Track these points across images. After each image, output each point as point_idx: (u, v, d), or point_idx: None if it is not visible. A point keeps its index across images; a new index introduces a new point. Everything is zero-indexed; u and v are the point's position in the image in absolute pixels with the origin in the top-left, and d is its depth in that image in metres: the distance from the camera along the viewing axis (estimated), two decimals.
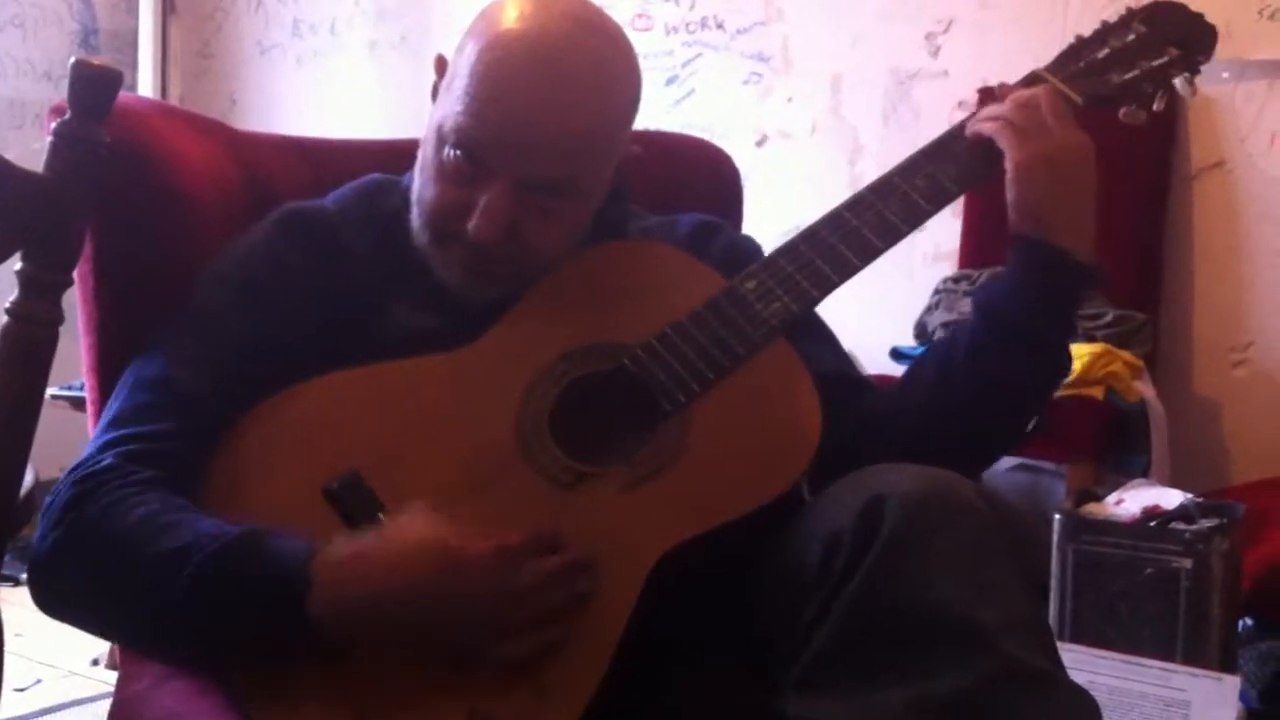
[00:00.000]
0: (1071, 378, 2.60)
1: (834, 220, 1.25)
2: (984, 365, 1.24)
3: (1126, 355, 2.71)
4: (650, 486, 1.16)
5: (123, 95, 1.35)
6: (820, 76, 3.33)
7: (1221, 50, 2.93)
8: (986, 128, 1.24)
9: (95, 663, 2.92)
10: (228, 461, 1.20)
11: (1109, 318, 2.76)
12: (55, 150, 1.16)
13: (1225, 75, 2.88)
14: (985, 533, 1.07)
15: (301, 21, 4.17)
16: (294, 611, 1.07)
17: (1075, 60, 1.30)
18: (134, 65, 4.19)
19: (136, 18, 4.23)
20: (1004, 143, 1.23)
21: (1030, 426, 1.30)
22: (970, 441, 1.28)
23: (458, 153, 1.21)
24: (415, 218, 1.27)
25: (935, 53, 3.18)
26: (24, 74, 4.02)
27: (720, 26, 3.47)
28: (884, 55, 3.24)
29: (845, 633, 1.06)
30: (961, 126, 1.28)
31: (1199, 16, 1.32)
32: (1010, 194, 1.23)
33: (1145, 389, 2.69)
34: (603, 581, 1.13)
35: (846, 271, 1.23)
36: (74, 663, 2.89)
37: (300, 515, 1.14)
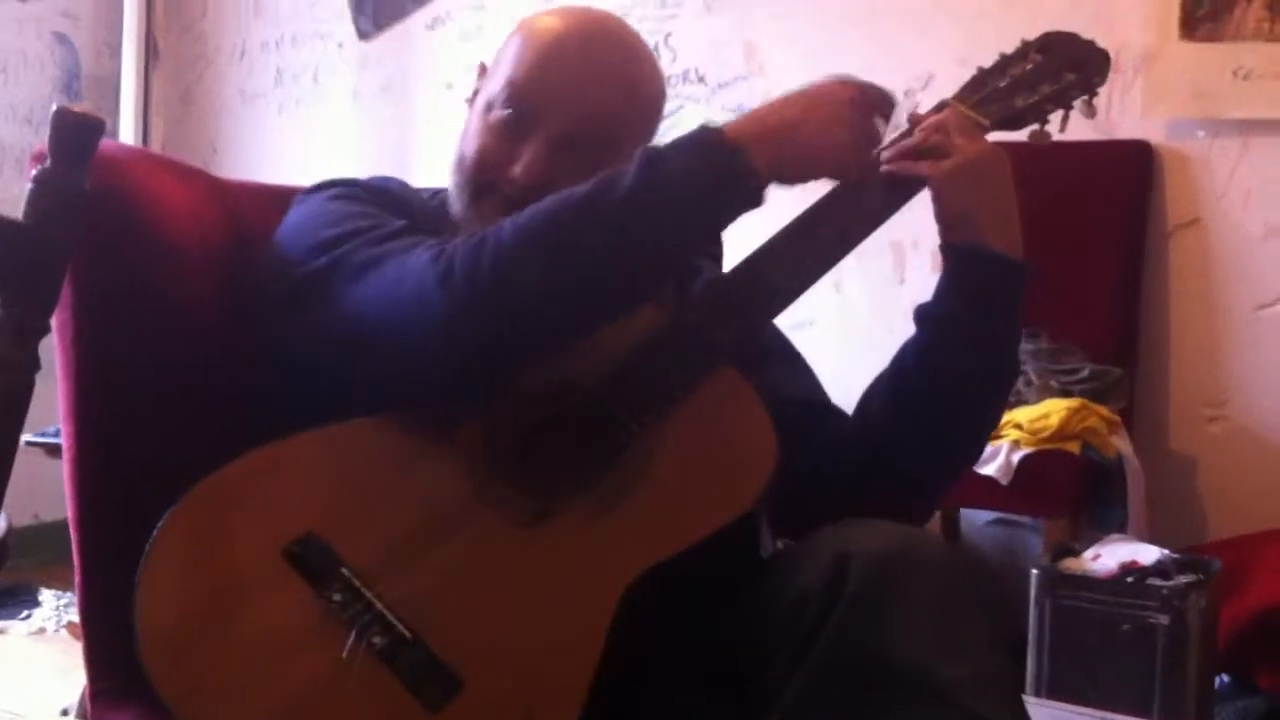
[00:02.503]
0: (1048, 432, 2.62)
1: (770, 251, 1.28)
2: (927, 368, 1.28)
3: (1103, 410, 2.72)
4: (614, 515, 1.18)
5: (104, 142, 1.35)
6: None
7: (1197, 109, 3.00)
8: (900, 166, 1.29)
9: (65, 713, 2.88)
10: (201, 517, 1.19)
11: (1085, 372, 2.77)
12: (34, 197, 1.16)
13: (1200, 134, 2.92)
14: (951, 589, 1.09)
15: (284, 70, 4.18)
16: (732, 146, 1.18)
17: (980, 88, 1.36)
18: (115, 111, 4.19)
19: (119, 64, 4.24)
20: (920, 169, 1.28)
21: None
22: (928, 452, 1.30)
23: (507, 111, 1.33)
24: (453, 187, 1.37)
25: (915, 109, 3.19)
26: (5, 118, 4.01)
27: (701, 80, 3.49)
28: None
29: (814, 688, 1.07)
30: (877, 157, 1.33)
31: (1091, 43, 1.39)
32: (934, 210, 1.28)
33: (1122, 444, 2.70)
34: (574, 612, 1.14)
35: (786, 298, 1.26)
36: (43, 713, 2.86)
37: (267, 578, 1.15)
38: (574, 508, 1.19)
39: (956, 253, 1.28)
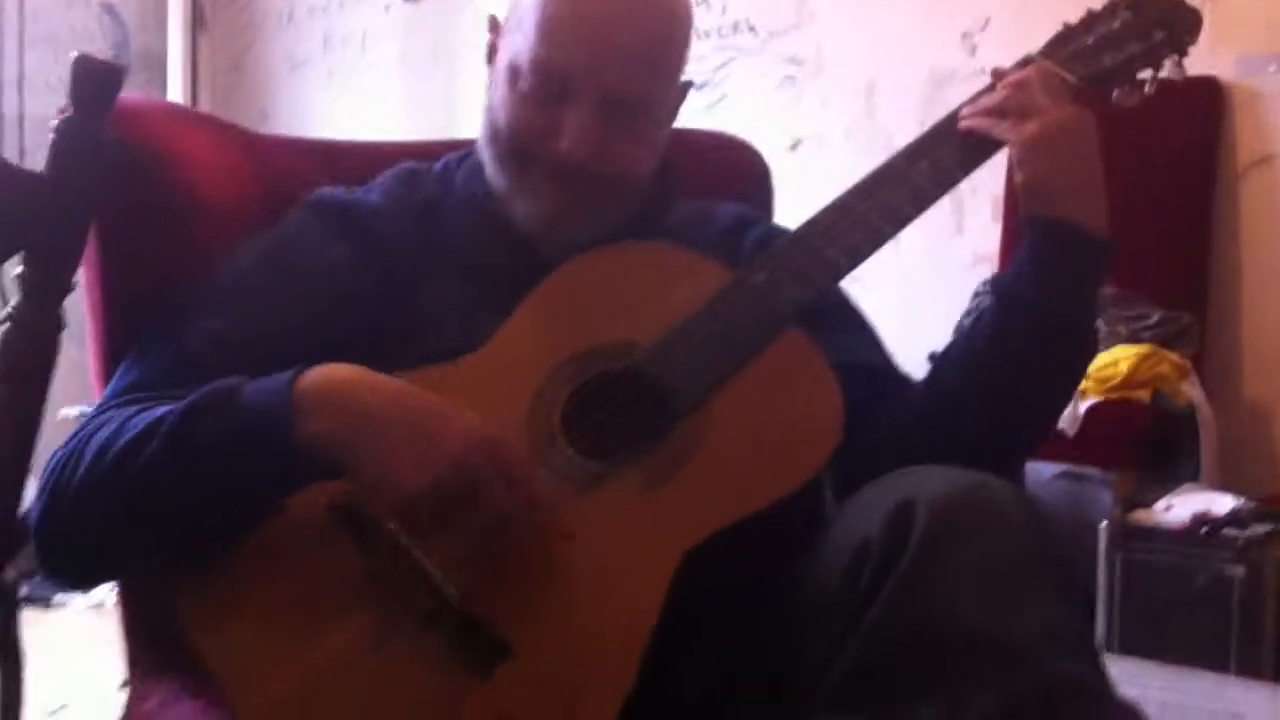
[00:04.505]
0: (1117, 380, 2.55)
1: (840, 208, 1.24)
2: (1004, 347, 1.23)
3: (1173, 356, 2.64)
4: (670, 484, 1.14)
5: (135, 96, 1.32)
6: (854, 80, 3.29)
7: (1269, 43, 2.90)
8: (979, 124, 1.24)
9: (125, 685, 2.89)
10: None
11: (1155, 318, 2.70)
12: (56, 148, 1.14)
13: (1272, 69, 2.82)
14: (1020, 539, 1.03)
15: (332, 35, 4.16)
16: (284, 406, 1.07)
17: (1066, 45, 1.31)
18: (164, 83, 4.20)
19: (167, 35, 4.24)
20: (999, 132, 1.23)
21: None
22: (999, 429, 1.25)
23: (537, 80, 1.25)
24: (490, 159, 1.30)
25: (972, 51, 3.12)
26: (56, 91, 4.02)
27: (752, 30, 3.43)
28: (919, 57, 3.19)
29: (873, 651, 1.02)
30: (957, 112, 1.28)
31: (1181, 1, 1.34)
32: (1016, 177, 1.23)
33: (1193, 391, 2.63)
34: (628, 582, 1.11)
35: (856, 258, 1.22)
36: (102, 688, 2.87)
37: (311, 532, 1.13)
38: (631, 472, 1.15)
39: (1038, 227, 1.23)
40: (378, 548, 1.11)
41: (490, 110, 1.30)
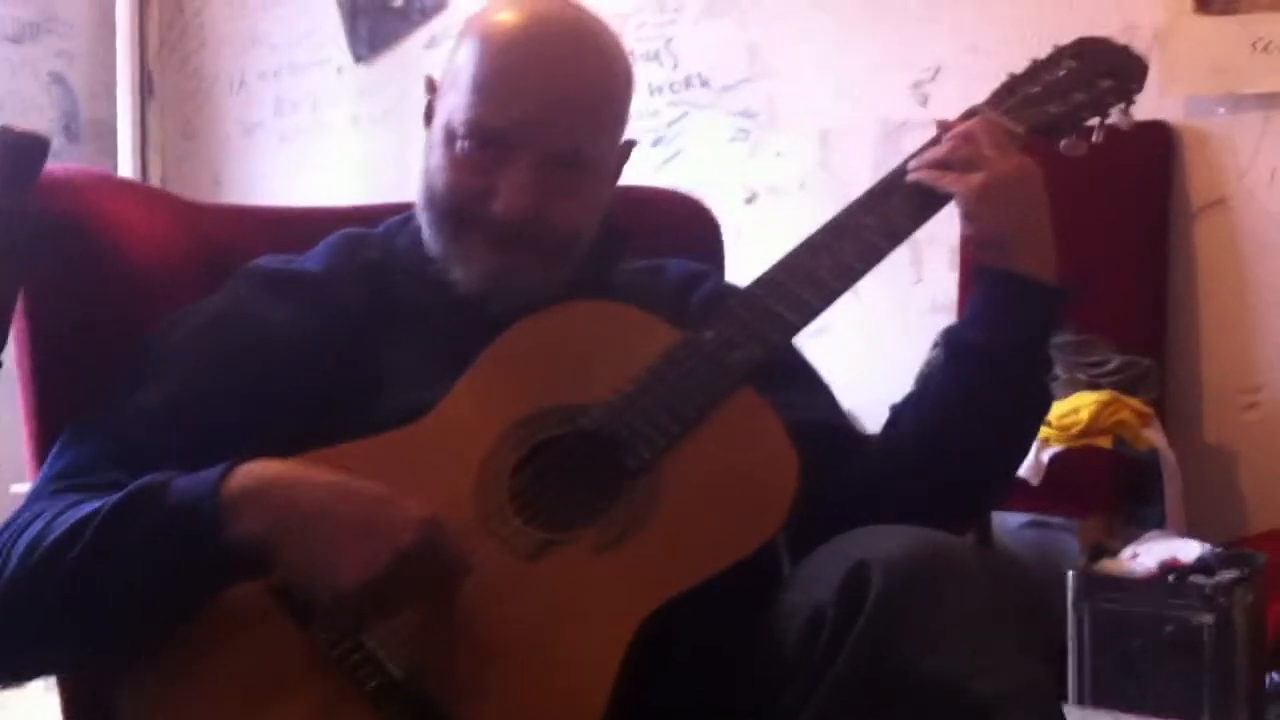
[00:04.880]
0: (1078, 428, 2.54)
1: (790, 265, 1.23)
2: (956, 399, 1.22)
3: (1134, 402, 2.64)
4: (622, 549, 1.11)
5: (62, 166, 1.30)
6: (808, 130, 3.29)
7: (1216, 85, 2.93)
8: (926, 177, 1.23)
9: None
10: None
11: (1114, 364, 2.69)
12: None
13: (1221, 110, 2.84)
14: (979, 597, 1.02)
15: (283, 99, 4.15)
16: (205, 516, 1.03)
17: (1012, 95, 1.31)
18: (115, 151, 4.17)
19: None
20: (946, 183, 1.22)
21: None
22: (955, 482, 1.24)
23: (472, 142, 1.22)
24: (427, 223, 1.27)
25: (923, 101, 3.13)
26: None
27: (705, 84, 3.44)
28: (871, 106, 3.20)
29: (831, 715, 1.00)
30: (905, 165, 1.27)
31: (1127, 48, 1.35)
32: (962, 228, 1.23)
33: (1155, 437, 2.63)
34: (581, 651, 1.07)
35: (807, 315, 1.21)
36: None
37: (251, 613, 1.09)
38: (581, 539, 1.12)
39: (987, 277, 1.23)
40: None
41: (427, 174, 1.27)
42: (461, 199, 1.24)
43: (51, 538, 1.07)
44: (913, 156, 1.26)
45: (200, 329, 1.24)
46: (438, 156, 1.25)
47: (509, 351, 1.23)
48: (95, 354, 1.25)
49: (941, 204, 1.23)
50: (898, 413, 1.28)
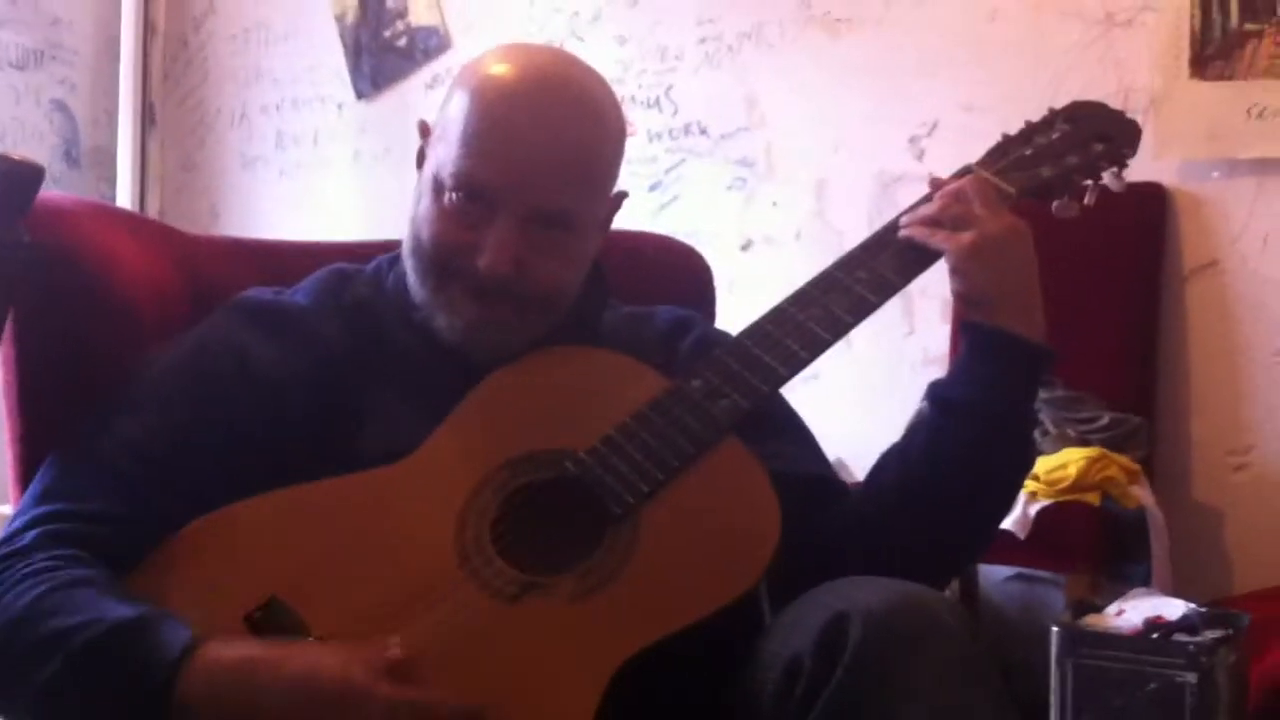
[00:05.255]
0: (1066, 483, 2.54)
1: (779, 316, 1.24)
2: (939, 454, 1.22)
3: (1123, 460, 2.64)
4: (600, 595, 1.11)
5: (54, 195, 1.30)
6: (804, 181, 3.30)
7: (1210, 150, 2.95)
8: (917, 233, 1.24)
9: None
10: (153, 583, 1.14)
11: (1104, 421, 2.69)
12: None
13: (1215, 174, 2.85)
14: (955, 654, 1.02)
15: (285, 134, 4.16)
16: (157, 703, 1.01)
17: (1003, 156, 1.32)
18: (114, 180, 4.18)
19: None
20: (937, 241, 1.22)
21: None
22: (936, 536, 1.24)
23: (460, 195, 1.22)
24: (412, 270, 1.27)
25: (920, 155, 3.15)
26: None
27: (704, 132, 3.45)
28: (868, 159, 3.21)
29: None
30: (896, 221, 1.28)
31: (1120, 113, 1.36)
32: (951, 285, 1.23)
33: (1143, 494, 2.62)
34: (555, 702, 1.07)
35: (795, 365, 1.21)
36: None
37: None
38: (560, 584, 1.12)
39: (974, 334, 1.23)
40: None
41: (414, 222, 1.27)
42: (446, 252, 1.24)
43: (25, 641, 1.06)
44: (906, 212, 1.27)
45: (183, 360, 1.24)
46: (426, 205, 1.25)
47: (495, 394, 1.23)
48: (82, 382, 1.26)
49: (931, 261, 1.24)
50: (882, 464, 1.28)
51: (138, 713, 1.02)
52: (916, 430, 1.27)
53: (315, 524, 1.17)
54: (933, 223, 1.23)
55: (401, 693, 1.01)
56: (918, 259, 1.24)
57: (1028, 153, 1.31)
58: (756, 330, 1.23)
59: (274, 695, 1.01)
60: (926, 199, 1.27)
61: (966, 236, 1.21)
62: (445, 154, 1.23)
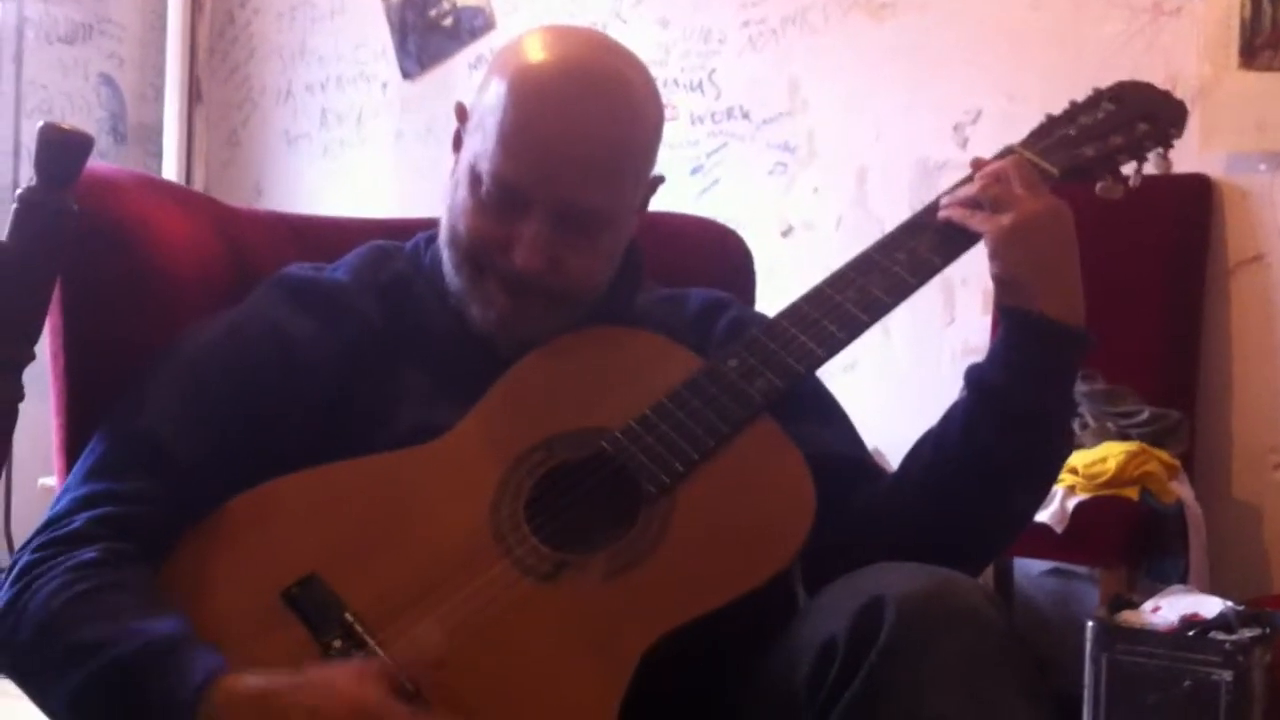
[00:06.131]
0: (1105, 477, 2.52)
1: (816, 296, 1.22)
2: (974, 440, 1.20)
3: (1162, 455, 2.62)
4: (633, 574, 1.11)
5: (102, 166, 1.31)
6: (846, 167, 3.29)
7: (1259, 141, 2.91)
8: (955, 214, 1.23)
9: None
10: (191, 560, 1.15)
11: (1144, 415, 2.67)
12: (18, 217, 1.12)
13: (1262, 167, 2.82)
14: (990, 640, 1.01)
15: (329, 111, 4.18)
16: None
17: (1047, 136, 1.30)
18: (160, 154, 4.20)
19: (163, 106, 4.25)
20: (975, 222, 1.21)
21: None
22: (970, 521, 1.22)
23: (494, 192, 1.21)
24: (448, 259, 1.27)
25: (963, 144, 3.13)
26: None
27: (746, 116, 3.44)
28: (910, 146, 3.20)
29: None
30: (937, 202, 1.26)
31: (1167, 94, 1.33)
32: (990, 267, 1.21)
33: (1182, 490, 2.60)
34: (586, 677, 1.07)
35: (832, 346, 1.20)
36: None
37: (264, 622, 1.10)
38: (594, 563, 1.12)
39: (1011, 318, 1.20)
40: (331, 633, 1.08)
41: (451, 211, 1.27)
42: (482, 246, 1.24)
43: (60, 643, 1.07)
44: (946, 194, 1.26)
45: (222, 336, 1.25)
46: (463, 196, 1.25)
47: (531, 374, 1.23)
48: (127, 350, 1.26)
49: (971, 243, 1.23)
50: (917, 449, 1.27)
51: None
52: (952, 416, 1.25)
53: (352, 501, 1.17)
54: (972, 204, 1.22)
55: (414, 714, 1.01)
56: (957, 240, 1.23)
57: (1071, 132, 1.29)
58: (793, 311, 1.22)
59: (294, 717, 1.01)
60: (967, 180, 1.25)
61: (1006, 218, 1.19)
62: (481, 148, 1.23)
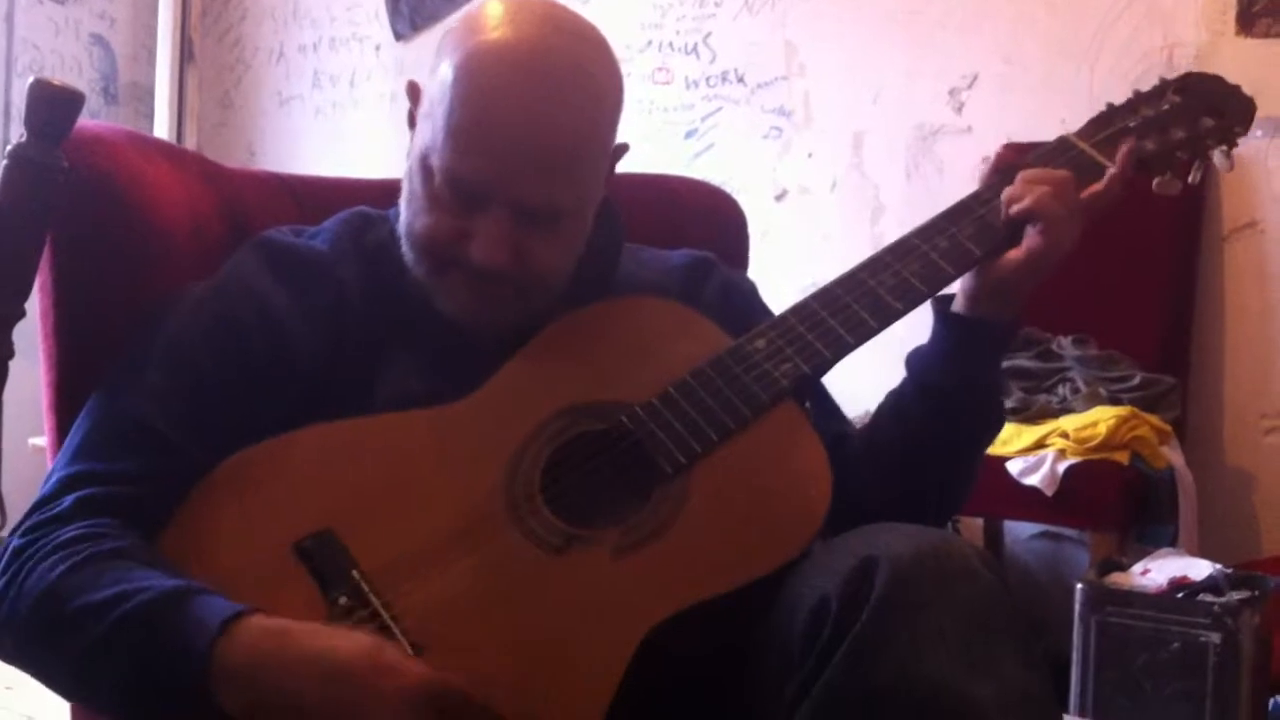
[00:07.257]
0: (1096, 441, 2.53)
1: (850, 280, 1.20)
2: (920, 431, 1.24)
3: (1153, 420, 2.62)
4: (644, 552, 1.09)
5: (92, 123, 1.30)
6: (842, 132, 3.29)
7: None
8: (1025, 207, 1.19)
9: None
10: (199, 515, 1.14)
11: (1136, 380, 2.68)
12: (8, 173, 1.11)
13: (1258, 134, 2.81)
14: (983, 600, 1.00)
15: (322, 73, 4.16)
16: (198, 674, 0.99)
17: (1105, 127, 1.26)
18: (152, 115, 4.18)
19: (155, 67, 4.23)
20: (1040, 228, 1.18)
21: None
22: (912, 498, 1.25)
23: (448, 189, 1.17)
24: (408, 250, 1.22)
25: (959, 109, 3.12)
26: None
27: (741, 80, 3.43)
28: (907, 111, 3.19)
29: (831, 708, 0.99)
30: (985, 190, 1.23)
31: (1236, 88, 1.29)
32: (1005, 271, 1.19)
33: (1173, 455, 2.61)
34: (589, 651, 1.06)
35: (862, 334, 1.18)
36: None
37: (272, 574, 1.09)
38: (605, 538, 1.10)
39: (961, 323, 1.22)
40: (339, 589, 1.08)
41: (408, 203, 1.22)
42: (439, 243, 1.19)
43: (59, 614, 1.06)
44: (988, 185, 1.23)
45: (203, 307, 1.22)
46: (417, 187, 1.20)
47: (557, 340, 1.21)
48: (118, 308, 1.25)
49: (1012, 242, 1.19)
50: (875, 420, 1.30)
51: (177, 683, 1.01)
52: (900, 407, 1.27)
53: (368, 459, 1.16)
54: (1028, 212, 1.18)
55: (427, 676, 1.00)
56: (1001, 235, 1.19)
57: (1132, 124, 1.25)
58: (825, 294, 1.19)
59: (304, 683, 1.00)
60: (1011, 167, 1.22)
61: (1060, 239, 1.17)
62: (431, 139, 1.17)
